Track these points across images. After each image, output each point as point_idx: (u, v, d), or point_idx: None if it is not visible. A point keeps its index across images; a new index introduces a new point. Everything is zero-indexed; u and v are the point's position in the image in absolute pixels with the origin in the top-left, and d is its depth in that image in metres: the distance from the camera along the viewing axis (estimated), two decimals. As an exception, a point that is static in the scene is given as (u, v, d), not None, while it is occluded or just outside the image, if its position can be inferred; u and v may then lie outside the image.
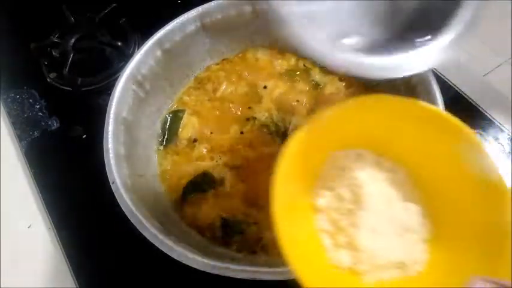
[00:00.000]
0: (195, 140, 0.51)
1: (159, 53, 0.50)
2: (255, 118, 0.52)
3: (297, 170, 0.32)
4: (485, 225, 0.28)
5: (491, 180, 0.28)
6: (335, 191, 0.33)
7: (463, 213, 0.30)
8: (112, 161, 0.42)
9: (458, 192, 0.31)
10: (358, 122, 0.33)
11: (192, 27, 0.52)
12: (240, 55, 0.58)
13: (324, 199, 0.33)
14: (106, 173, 0.42)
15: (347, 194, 0.32)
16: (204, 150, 0.50)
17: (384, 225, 0.31)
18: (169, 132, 0.52)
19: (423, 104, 0.32)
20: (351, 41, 0.31)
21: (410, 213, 0.32)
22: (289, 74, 0.55)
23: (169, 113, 0.53)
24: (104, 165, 0.42)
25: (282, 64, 0.56)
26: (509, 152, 0.52)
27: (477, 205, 0.29)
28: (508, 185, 0.27)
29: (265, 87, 0.54)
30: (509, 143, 0.53)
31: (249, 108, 0.53)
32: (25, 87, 0.64)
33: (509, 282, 0.23)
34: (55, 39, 0.67)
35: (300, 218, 0.32)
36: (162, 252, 0.37)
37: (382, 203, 0.32)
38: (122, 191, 0.40)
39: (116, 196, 0.40)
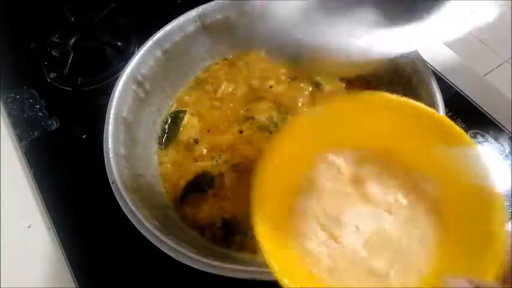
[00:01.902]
0: (195, 140, 0.51)
1: (159, 53, 0.50)
2: (255, 118, 0.52)
3: (283, 168, 0.31)
4: (473, 229, 0.28)
5: (485, 188, 0.27)
6: (324, 194, 0.32)
7: (453, 216, 0.30)
8: (112, 161, 0.42)
9: (452, 197, 0.31)
10: (352, 119, 0.32)
11: (192, 27, 0.52)
12: (240, 55, 0.58)
13: (310, 201, 0.32)
14: (106, 173, 0.42)
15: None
16: (204, 150, 0.50)
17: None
18: (170, 132, 0.52)
19: (421, 106, 0.32)
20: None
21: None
22: (289, 74, 0.55)
23: (171, 114, 0.53)
24: (104, 165, 0.42)
25: (282, 63, 0.56)
26: (509, 152, 0.52)
27: (467, 210, 0.29)
28: (500, 194, 0.27)
29: (265, 87, 0.54)
30: (509, 143, 0.53)
31: (249, 108, 0.53)
32: (25, 87, 0.64)
33: (490, 282, 0.23)
34: (55, 39, 0.67)
35: (282, 218, 0.32)
36: (162, 252, 0.37)
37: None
38: (122, 191, 0.40)
39: (116, 196, 0.40)
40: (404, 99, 0.31)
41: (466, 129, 0.54)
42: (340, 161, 0.33)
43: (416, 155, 0.32)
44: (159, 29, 0.50)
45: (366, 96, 0.32)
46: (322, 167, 0.33)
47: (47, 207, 0.53)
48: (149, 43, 0.49)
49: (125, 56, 0.63)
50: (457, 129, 0.30)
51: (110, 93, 0.46)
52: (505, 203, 0.27)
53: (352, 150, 0.34)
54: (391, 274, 0.30)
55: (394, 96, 0.32)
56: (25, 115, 0.61)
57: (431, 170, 0.32)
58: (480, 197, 0.28)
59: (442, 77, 0.59)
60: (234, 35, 0.56)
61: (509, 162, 0.52)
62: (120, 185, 0.40)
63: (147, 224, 0.38)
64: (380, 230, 0.31)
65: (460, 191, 0.30)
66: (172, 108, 0.54)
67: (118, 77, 0.47)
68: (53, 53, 0.65)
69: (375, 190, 0.32)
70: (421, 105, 0.31)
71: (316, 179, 0.33)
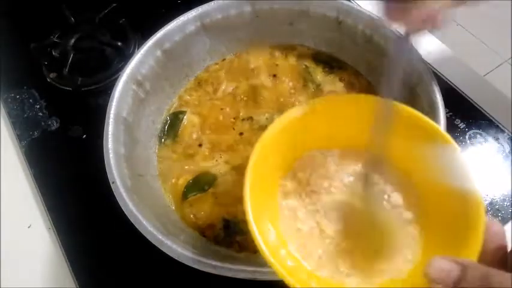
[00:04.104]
0: (195, 140, 0.51)
1: (159, 53, 0.50)
2: (255, 119, 0.52)
3: (274, 158, 0.33)
4: (456, 222, 0.29)
5: (467, 190, 0.28)
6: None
7: (436, 212, 0.31)
8: (112, 161, 0.42)
9: (435, 195, 0.32)
10: (343, 118, 0.33)
11: (192, 27, 0.52)
12: (239, 55, 0.58)
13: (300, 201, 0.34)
14: (106, 173, 0.42)
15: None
16: (205, 150, 0.50)
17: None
18: (170, 132, 0.52)
19: (410, 110, 0.32)
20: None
21: None
22: (290, 74, 0.55)
23: (170, 115, 0.53)
24: (104, 165, 0.42)
25: (282, 64, 0.56)
26: (509, 152, 0.52)
27: (449, 209, 0.30)
28: (481, 197, 0.28)
29: (265, 87, 0.54)
30: (509, 143, 0.53)
31: (250, 108, 0.53)
32: (25, 87, 0.64)
33: (468, 260, 0.25)
34: (55, 39, 0.67)
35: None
36: (162, 252, 0.37)
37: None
38: (122, 191, 0.40)
39: (116, 196, 0.40)
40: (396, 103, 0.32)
41: (466, 129, 0.54)
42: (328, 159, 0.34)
43: (403, 154, 0.33)
44: (159, 29, 0.50)
45: (359, 97, 0.33)
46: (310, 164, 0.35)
47: (47, 207, 0.53)
48: (149, 43, 0.49)
49: (125, 56, 0.63)
50: (444, 134, 0.30)
51: (110, 93, 0.46)
52: (484, 207, 0.27)
53: (339, 149, 0.35)
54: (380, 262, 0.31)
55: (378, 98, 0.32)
56: (25, 115, 0.61)
57: (416, 169, 0.33)
58: (461, 198, 0.29)
59: (442, 77, 0.59)
60: (234, 35, 0.56)
61: (509, 162, 0.52)
62: (120, 185, 0.40)
63: (147, 224, 0.38)
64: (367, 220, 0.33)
65: (442, 190, 0.31)
66: (172, 109, 0.54)
67: (118, 77, 0.47)
68: (53, 53, 0.65)
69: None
70: (410, 109, 0.32)
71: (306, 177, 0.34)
